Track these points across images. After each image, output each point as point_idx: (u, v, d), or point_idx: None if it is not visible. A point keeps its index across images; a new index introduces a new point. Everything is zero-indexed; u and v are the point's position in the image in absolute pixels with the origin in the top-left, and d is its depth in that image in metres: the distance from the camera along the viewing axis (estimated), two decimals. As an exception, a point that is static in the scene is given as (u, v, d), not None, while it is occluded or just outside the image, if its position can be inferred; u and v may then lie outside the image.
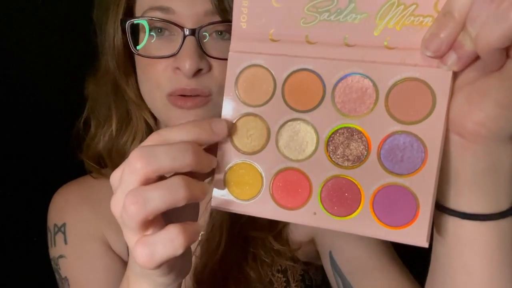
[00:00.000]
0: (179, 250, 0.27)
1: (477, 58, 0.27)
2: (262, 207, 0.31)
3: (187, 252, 0.34)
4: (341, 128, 0.30)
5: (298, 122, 0.31)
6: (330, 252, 0.49)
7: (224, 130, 0.31)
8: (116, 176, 0.30)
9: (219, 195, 0.32)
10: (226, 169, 0.32)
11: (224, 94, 0.32)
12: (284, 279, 0.51)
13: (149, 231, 0.28)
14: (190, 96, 0.44)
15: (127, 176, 0.28)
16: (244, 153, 0.32)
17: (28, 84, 0.81)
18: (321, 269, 0.53)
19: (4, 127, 0.79)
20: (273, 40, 0.32)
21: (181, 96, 0.44)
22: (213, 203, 0.32)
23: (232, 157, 0.32)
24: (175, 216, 0.32)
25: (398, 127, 0.29)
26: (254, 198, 0.31)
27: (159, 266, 0.28)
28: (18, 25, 0.78)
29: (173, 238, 0.27)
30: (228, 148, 0.32)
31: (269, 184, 0.31)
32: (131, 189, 0.27)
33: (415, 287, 0.44)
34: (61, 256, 0.52)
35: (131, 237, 0.29)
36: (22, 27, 0.78)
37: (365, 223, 0.29)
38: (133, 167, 0.27)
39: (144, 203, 0.27)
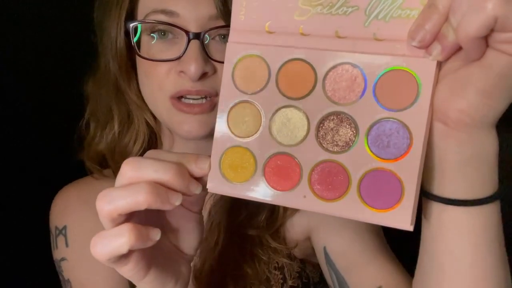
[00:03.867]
0: (123, 247, 0.29)
1: (460, 48, 0.28)
2: (254, 189, 0.33)
3: (184, 269, 0.36)
4: (331, 115, 0.31)
5: (291, 109, 0.32)
6: (325, 248, 0.49)
7: (206, 169, 0.33)
8: None
9: (215, 178, 0.34)
10: (221, 152, 0.34)
11: (222, 82, 0.34)
12: (281, 276, 0.51)
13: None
14: (196, 104, 0.44)
15: (117, 178, 0.31)
16: (239, 137, 0.33)
17: (28, 85, 0.80)
18: (318, 266, 0.53)
19: (5, 128, 0.78)
20: (269, 32, 0.33)
21: (187, 104, 0.45)
22: (209, 186, 0.34)
23: (228, 141, 0.34)
24: (166, 222, 0.35)
25: (385, 114, 0.30)
26: (248, 181, 0.33)
27: (110, 260, 0.30)
28: (18, 26, 0.78)
29: (121, 234, 0.29)
30: (224, 132, 0.34)
31: (262, 168, 0.33)
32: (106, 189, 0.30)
33: (408, 280, 0.45)
34: (63, 259, 0.53)
35: None
36: (22, 27, 0.78)
37: (352, 206, 0.30)
38: (122, 171, 0.31)
39: (109, 201, 0.30)
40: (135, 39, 0.45)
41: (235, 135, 0.33)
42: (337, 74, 0.31)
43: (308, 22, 0.32)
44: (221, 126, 0.34)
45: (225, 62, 0.34)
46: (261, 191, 0.33)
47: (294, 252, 0.53)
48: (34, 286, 0.78)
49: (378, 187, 0.30)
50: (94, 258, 0.51)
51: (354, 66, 0.31)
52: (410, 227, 0.29)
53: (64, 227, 0.54)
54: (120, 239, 0.29)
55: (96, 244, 0.30)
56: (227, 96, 0.34)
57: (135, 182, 0.30)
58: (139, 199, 0.29)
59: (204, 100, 0.45)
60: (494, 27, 0.25)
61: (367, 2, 0.31)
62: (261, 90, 0.33)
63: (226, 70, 0.34)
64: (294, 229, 0.53)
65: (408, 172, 0.29)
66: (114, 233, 0.30)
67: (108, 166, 0.55)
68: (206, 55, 0.44)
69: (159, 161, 0.31)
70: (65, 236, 0.53)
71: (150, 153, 0.34)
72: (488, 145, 0.29)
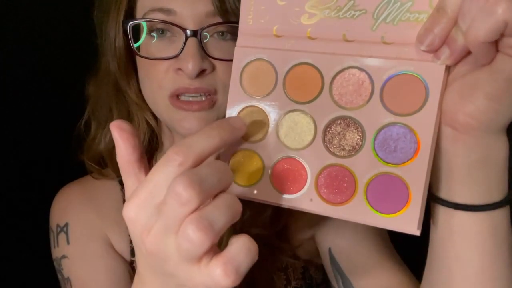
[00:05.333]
0: (256, 257, 0.26)
1: (469, 52, 0.28)
2: (262, 192, 0.33)
3: None
4: (337, 119, 0.31)
5: (298, 113, 0.32)
6: (330, 249, 0.49)
7: (243, 125, 0.30)
8: (140, 212, 0.27)
9: None
10: (230, 155, 0.34)
11: (230, 86, 0.34)
12: (284, 276, 0.51)
13: (206, 258, 0.26)
14: (195, 101, 0.44)
15: (178, 208, 0.25)
16: (247, 142, 0.34)
17: (29, 85, 0.80)
18: (321, 267, 0.53)
19: (5, 128, 0.78)
20: (276, 36, 0.33)
21: (186, 101, 0.44)
22: None
23: (236, 145, 0.34)
24: None
25: (392, 118, 0.30)
26: (255, 184, 0.33)
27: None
28: (18, 26, 0.78)
29: (250, 247, 0.26)
30: None
31: (269, 171, 0.33)
32: (190, 216, 0.25)
33: (414, 283, 0.45)
34: (63, 257, 0.52)
35: (189, 268, 0.26)
36: (22, 28, 0.78)
37: (359, 210, 0.31)
38: (184, 198, 0.24)
39: (212, 226, 0.25)
40: (140, 41, 0.45)
41: (243, 138, 0.34)
42: (344, 78, 0.31)
43: (316, 26, 0.32)
44: None
45: (233, 67, 0.34)
46: (268, 194, 0.33)
47: (298, 252, 0.53)
48: (34, 286, 0.78)
49: (385, 191, 0.30)
50: (96, 255, 0.51)
51: (361, 70, 0.31)
52: (417, 232, 0.29)
53: (66, 225, 0.53)
54: (252, 251, 0.26)
55: (231, 270, 0.25)
56: (235, 100, 0.34)
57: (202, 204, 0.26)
58: (237, 212, 0.26)
59: (203, 98, 0.45)
60: (504, 31, 0.24)
61: (375, 6, 0.30)
62: (269, 94, 0.33)
63: (234, 75, 0.34)
64: (299, 228, 0.53)
65: (415, 177, 0.29)
66: (243, 249, 0.26)
67: (107, 165, 0.55)
68: (204, 53, 0.43)
69: (214, 167, 0.26)
70: (66, 233, 0.53)
71: (184, 152, 0.27)
72: (496, 150, 0.29)
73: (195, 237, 0.24)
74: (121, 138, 0.29)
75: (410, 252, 0.45)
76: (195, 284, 0.27)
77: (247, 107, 0.34)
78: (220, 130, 0.28)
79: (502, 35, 0.25)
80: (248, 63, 0.34)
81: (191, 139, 0.27)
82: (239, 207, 0.26)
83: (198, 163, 0.27)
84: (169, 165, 0.26)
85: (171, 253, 0.26)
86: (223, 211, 0.25)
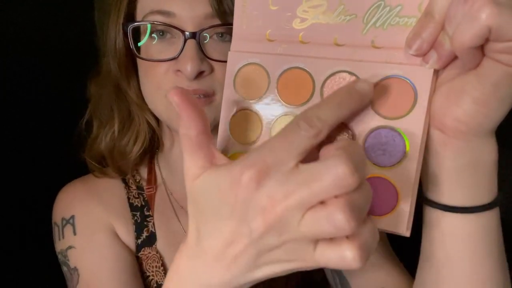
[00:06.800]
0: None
1: (457, 56, 0.28)
2: None
3: None
4: None
5: (290, 116, 0.33)
6: None
7: (371, 90, 0.28)
8: (266, 177, 0.24)
9: None
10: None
11: (224, 90, 0.35)
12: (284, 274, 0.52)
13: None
14: (194, 97, 0.44)
15: (330, 189, 0.23)
16: (240, 144, 0.35)
17: (31, 85, 0.81)
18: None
19: (7, 127, 0.79)
20: (269, 40, 0.34)
21: None
22: None
23: (230, 148, 0.35)
24: None
25: (381, 122, 0.30)
26: None
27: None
28: (20, 27, 0.78)
29: (375, 230, 0.25)
30: (226, 139, 0.35)
31: None
32: (343, 202, 0.23)
33: (410, 283, 0.45)
34: (70, 247, 0.53)
35: (306, 246, 0.25)
36: (24, 28, 0.79)
37: None
38: (343, 225, 0.23)
39: (360, 215, 0.24)
40: (141, 42, 0.46)
41: (237, 141, 0.35)
42: (335, 82, 0.32)
43: (307, 30, 0.33)
44: (223, 133, 0.35)
45: (226, 71, 0.35)
46: None
47: None
48: (36, 284, 0.79)
49: (375, 193, 0.30)
50: (102, 244, 0.51)
51: (351, 74, 0.31)
52: (406, 233, 0.30)
53: (72, 217, 0.54)
54: (377, 235, 0.25)
55: (361, 254, 0.24)
56: (228, 104, 0.35)
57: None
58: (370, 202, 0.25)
59: (201, 96, 0.45)
60: (489, 36, 0.25)
61: (365, 10, 0.31)
62: (262, 98, 0.34)
63: (227, 79, 0.35)
64: None
65: (404, 179, 0.30)
66: (372, 232, 0.25)
67: (108, 165, 0.56)
68: (203, 54, 0.44)
69: (368, 193, 0.25)
70: (73, 225, 0.53)
71: (311, 122, 0.25)
72: (486, 153, 0.29)
73: (345, 225, 0.23)
74: (190, 107, 0.27)
75: (407, 252, 0.45)
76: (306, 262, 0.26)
77: (240, 110, 0.35)
78: (350, 100, 0.27)
79: (487, 40, 0.25)
80: (241, 68, 0.34)
81: (320, 110, 0.25)
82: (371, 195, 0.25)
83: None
84: (301, 135, 0.24)
85: (292, 227, 0.24)
86: (367, 200, 0.24)
